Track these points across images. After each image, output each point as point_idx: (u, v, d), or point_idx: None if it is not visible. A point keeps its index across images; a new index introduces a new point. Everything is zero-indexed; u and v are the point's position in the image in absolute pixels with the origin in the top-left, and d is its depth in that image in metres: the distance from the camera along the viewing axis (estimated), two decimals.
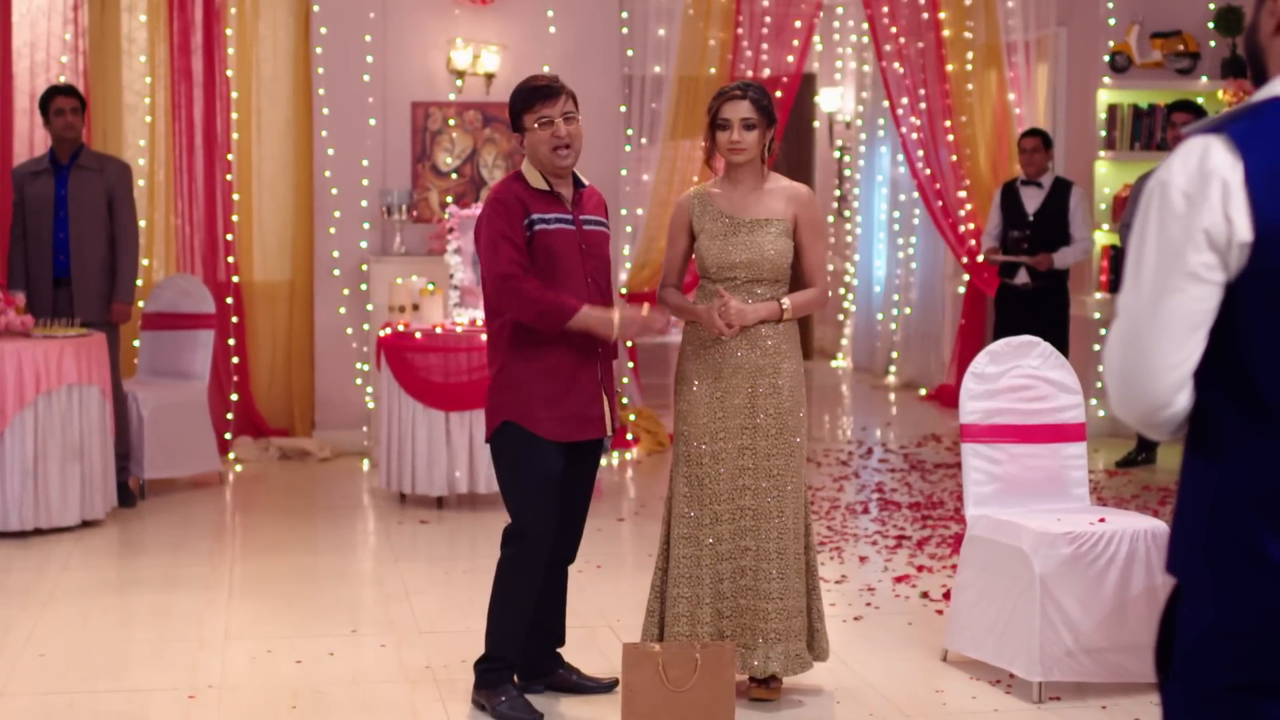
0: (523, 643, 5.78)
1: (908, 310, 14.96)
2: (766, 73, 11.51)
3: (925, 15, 11.92)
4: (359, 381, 10.91)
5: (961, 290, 13.10)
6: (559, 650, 6.02)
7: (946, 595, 7.24)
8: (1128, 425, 2.76)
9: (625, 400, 11.09)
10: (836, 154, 16.78)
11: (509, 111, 5.69)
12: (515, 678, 5.80)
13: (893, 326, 15.28)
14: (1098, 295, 11.53)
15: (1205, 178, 2.58)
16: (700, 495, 5.71)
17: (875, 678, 6.14)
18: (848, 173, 16.44)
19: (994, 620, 6.02)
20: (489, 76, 10.91)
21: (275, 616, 7.03)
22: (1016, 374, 6.29)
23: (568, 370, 5.59)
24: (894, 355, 15.16)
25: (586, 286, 5.64)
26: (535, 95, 5.57)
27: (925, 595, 7.35)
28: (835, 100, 16.58)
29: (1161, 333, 2.61)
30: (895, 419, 13.12)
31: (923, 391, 14.21)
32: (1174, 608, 2.81)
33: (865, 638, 6.68)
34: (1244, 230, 2.56)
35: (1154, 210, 2.63)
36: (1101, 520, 5.95)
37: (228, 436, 10.61)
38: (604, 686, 5.96)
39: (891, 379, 15.08)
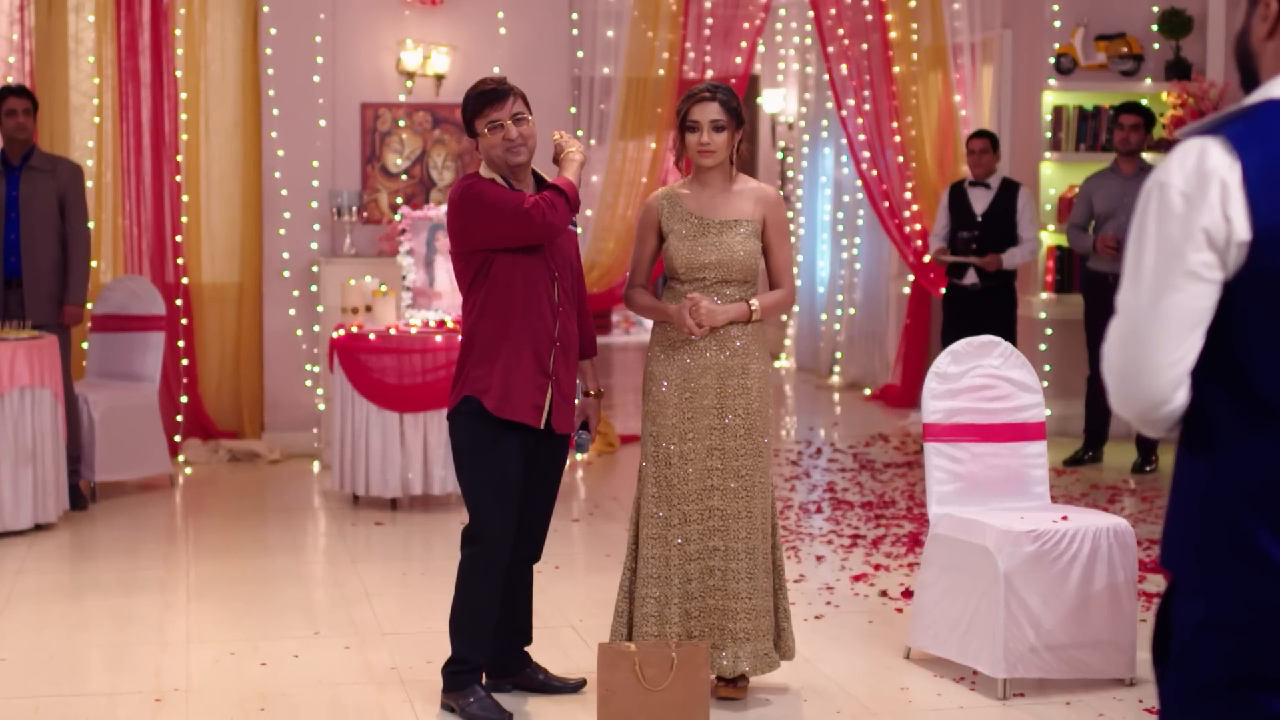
0: (489, 644, 5.78)
1: (851, 311, 15.04)
2: (710, 74, 11.56)
3: (869, 17, 11.98)
4: (309, 383, 10.88)
5: (906, 291, 13.19)
6: (527, 649, 6.03)
7: (905, 593, 7.30)
8: (1129, 422, 2.79)
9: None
10: (779, 155, 16.85)
11: (461, 118, 5.70)
12: (483, 677, 5.81)
13: (836, 327, 15.35)
14: (1044, 295, 11.63)
15: (1204, 178, 2.63)
16: (669, 495, 5.72)
17: (840, 676, 6.17)
18: (790, 174, 16.51)
19: (958, 618, 6.07)
20: (439, 78, 10.90)
21: (235, 619, 7.01)
22: (978, 374, 6.34)
23: (522, 354, 5.57)
24: (838, 355, 15.24)
25: (553, 285, 5.65)
26: (483, 100, 5.58)
27: (884, 594, 7.39)
28: (778, 101, 16.65)
29: (1161, 330, 2.66)
30: (841, 419, 13.19)
31: (867, 391, 14.29)
32: (1170, 602, 2.85)
33: (826, 636, 6.72)
34: (1242, 230, 2.62)
35: (1152, 210, 2.67)
36: (1064, 518, 6.01)
37: (177, 439, 10.55)
38: (571, 686, 5.98)
39: (835, 379, 15.15)
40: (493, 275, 5.56)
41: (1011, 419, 6.37)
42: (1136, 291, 2.68)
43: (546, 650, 6.30)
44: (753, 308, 5.74)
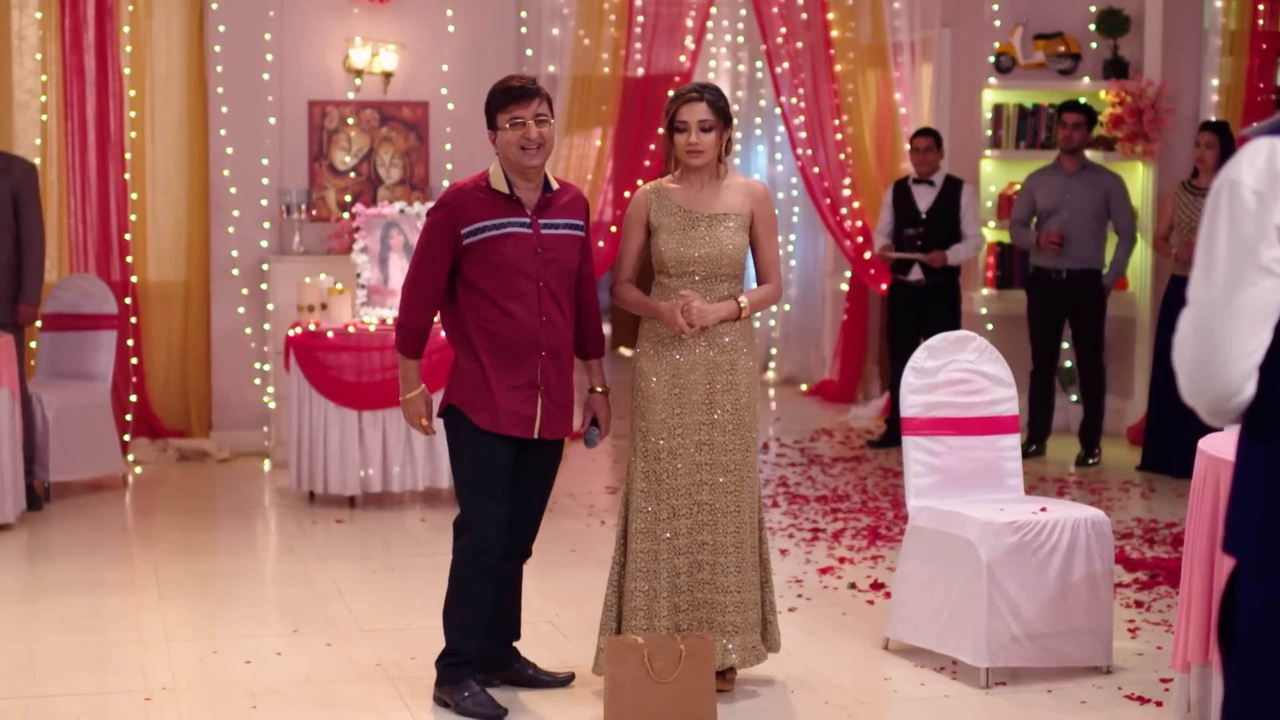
0: (482, 635, 5.80)
1: (787, 307, 15.12)
2: (641, 72, 11.63)
3: (804, 15, 12.05)
4: (258, 382, 10.84)
5: (843, 287, 13.28)
6: (514, 644, 6.06)
7: (875, 585, 7.40)
8: (1200, 413, 2.87)
9: None
10: None
11: (485, 110, 5.72)
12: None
13: (771, 323, 15.44)
14: (985, 291, 11.77)
15: (1275, 176, 2.72)
16: (658, 490, 5.77)
17: (822, 667, 6.25)
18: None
19: (938, 609, 6.16)
20: (387, 75, 10.90)
21: (212, 618, 6.99)
22: (953, 368, 6.44)
23: (505, 365, 5.63)
24: (773, 352, 15.32)
25: (538, 293, 5.66)
26: (509, 95, 5.62)
27: (853, 586, 7.47)
28: None
29: (1235, 324, 2.74)
30: (781, 414, 13.26)
31: (804, 387, 14.38)
32: (1234, 587, 2.93)
33: (802, 629, 6.79)
34: None
35: (1224, 208, 2.76)
36: (1043, 510, 6.12)
37: (126, 438, 10.47)
38: (560, 680, 6.02)
39: (771, 375, 15.24)
40: (476, 289, 5.61)
41: (986, 413, 6.47)
42: (1210, 287, 2.76)
43: (527, 645, 6.33)
44: (742, 305, 5.79)
